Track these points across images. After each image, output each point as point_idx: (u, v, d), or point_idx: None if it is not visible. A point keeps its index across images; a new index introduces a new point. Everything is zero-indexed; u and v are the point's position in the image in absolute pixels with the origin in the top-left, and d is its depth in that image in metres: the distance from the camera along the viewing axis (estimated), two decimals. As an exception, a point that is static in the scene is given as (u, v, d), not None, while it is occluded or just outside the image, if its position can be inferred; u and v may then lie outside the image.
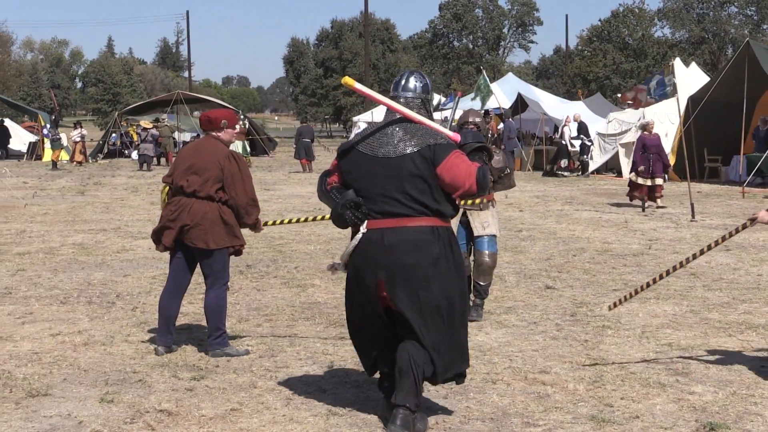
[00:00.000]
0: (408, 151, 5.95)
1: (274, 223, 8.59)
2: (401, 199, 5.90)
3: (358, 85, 6.25)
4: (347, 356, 7.86)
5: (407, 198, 5.90)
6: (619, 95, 30.85)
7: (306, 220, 9.35)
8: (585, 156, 32.33)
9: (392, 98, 6.28)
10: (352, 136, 55.42)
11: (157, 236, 8.12)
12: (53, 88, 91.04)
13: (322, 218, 8.18)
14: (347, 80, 6.20)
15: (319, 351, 8.10)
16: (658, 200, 20.80)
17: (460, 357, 6.09)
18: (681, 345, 8.25)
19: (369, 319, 6.14)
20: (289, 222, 8.52)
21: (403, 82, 6.33)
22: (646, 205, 20.41)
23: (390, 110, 6.22)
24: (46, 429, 6.09)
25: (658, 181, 20.71)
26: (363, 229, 5.95)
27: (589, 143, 32.37)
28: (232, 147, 8.21)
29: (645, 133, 21.29)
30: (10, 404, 6.60)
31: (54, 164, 37.60)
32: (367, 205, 5.97)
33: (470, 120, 9.16)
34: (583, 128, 32.37)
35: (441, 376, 6.03)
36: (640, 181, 20.67)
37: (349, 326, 6.40)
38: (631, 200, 21.07)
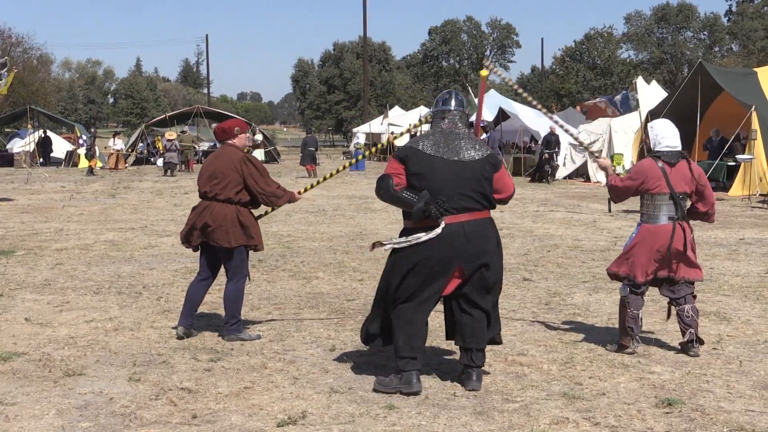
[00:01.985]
0: (481, 157, 6.43)
1: (306, 190, 8.56)
2: (474, 196, 6.35)
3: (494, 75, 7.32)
4: (348, 340, 7.86)
5: (478, 195, 6.37)
6: (579, 107, 30.85)
7: (324, 179, 8.88)
8: (552, 163, 31.92)
9: (439, 112, 6.72)
10: (351, 145, 55.27)
11: (185, 237, 8.16)
12: (91, 105, 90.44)
13: (339, 171, 8.63)
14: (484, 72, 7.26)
15: (322, 336, 8.10)
16: None
17: (499, 322, 6.68)
18: (642, 330, 8.24)
19: (427, 297, 6.35)
20: (318, 183, 8.63)
21: (452, 99, 6.77)
22: None
23: (438, 121, 6.65)
24: (81, 404, 6.08)
25: None
26: (442, 222, 6.23)
27: (555, 153, 31.98)
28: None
29: None
30: (50, 383, 6.60)
31: (90, 170, 37.57)
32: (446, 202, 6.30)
33: None
34: (554, 140, 32.06)
35: (488, 336, 6.56)
36: None
37: (395, 304, 6.43)
38: None
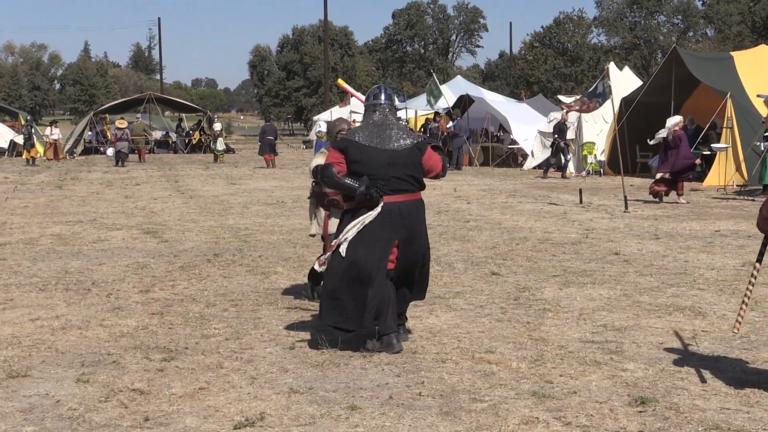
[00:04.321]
0: (409, 145, 7.49)
1: None
2: (408, 179, 7.42)
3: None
4: (308, 338, 7.84)
5: (411, 178, 7.44)
6: (562, 99, 30.40)
7: None
8: (553, 158, 30.03)
9: (371, 106, 7.72)
10: (312, 133, 55.28)
11: None
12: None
13: None
14: (340, 81, 7.41)
15: (281, 333, 8.07)
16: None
17: (425, 287, 7.91)
18: (615, 326, 8.31)
19: (374, 269, 7.28)
20: None
21: (382, 94, 7.80)
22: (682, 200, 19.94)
23: (369, 114, 7.69)
24: (26, 407, 6.02)
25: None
26: (381, 202, 7.29)
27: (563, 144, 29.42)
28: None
29: (679, 130, 20.22)
30: (-9, 385, 6.53)
31: (31, 160, 37.29)
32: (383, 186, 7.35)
33: (344, 127, 9.04)
34: (562, 130, 29.47)
35: (408, 301, 7.77)
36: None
37: (341, 280, 7.34)
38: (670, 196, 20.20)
